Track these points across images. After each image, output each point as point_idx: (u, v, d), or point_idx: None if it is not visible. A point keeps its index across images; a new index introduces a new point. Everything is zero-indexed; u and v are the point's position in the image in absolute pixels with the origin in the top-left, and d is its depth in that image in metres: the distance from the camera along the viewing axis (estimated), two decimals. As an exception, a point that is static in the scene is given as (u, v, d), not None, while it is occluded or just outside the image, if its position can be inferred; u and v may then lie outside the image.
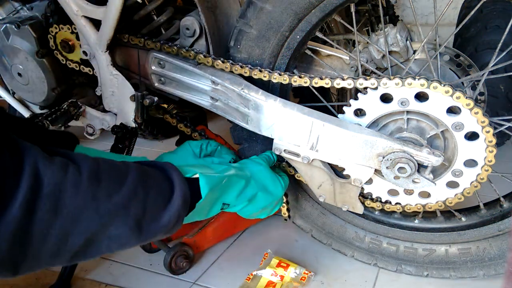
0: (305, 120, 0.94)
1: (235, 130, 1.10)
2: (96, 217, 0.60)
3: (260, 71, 0.96)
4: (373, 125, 0.96)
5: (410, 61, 0.99)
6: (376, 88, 0.91)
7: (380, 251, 1.16)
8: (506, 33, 0.90)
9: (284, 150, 0.98)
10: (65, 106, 1.13)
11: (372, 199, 1.07)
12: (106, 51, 1.05)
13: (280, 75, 0.96)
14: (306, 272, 1.14)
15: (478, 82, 1.00)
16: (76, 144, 0.93)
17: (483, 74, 0.96)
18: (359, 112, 0.96)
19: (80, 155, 0.63)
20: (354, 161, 0.95)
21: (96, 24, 1.04)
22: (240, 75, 0.98)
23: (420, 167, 0.92)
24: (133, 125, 1.10)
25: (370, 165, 0.94)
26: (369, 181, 1.01)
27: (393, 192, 1.03)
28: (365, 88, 0.93)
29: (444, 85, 0.86)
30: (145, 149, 2.11)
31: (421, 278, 1.13)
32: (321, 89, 1.02)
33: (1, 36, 1.18)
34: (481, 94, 1.09)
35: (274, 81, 0.97)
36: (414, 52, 1.04)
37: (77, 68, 1.15)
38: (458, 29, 0.99)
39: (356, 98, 0.94)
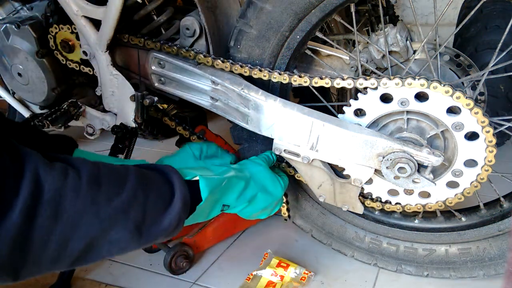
0: (305, 120, 0.94)
1: (235, 130, 1.10)
2: (96, 222, 0.60)
3: (260, 70, 0.97)
4: (373, 125, 0.96)
5: (410, 61, 0.99)
6: (376, 88, 0.91)
7: (380, 251, 1.16)
8: (506, 33, 0.90)
9: (284, 150, 0.98)
10: (65, 106, 1.13)
11: (372, 199, 1.07)
12: (106, 51, 1.05)
13: (280, 74, 0.96)
14: (306, 272, 1.14)
15: (478, 82, 1.00)
16: (75, 148, 0.93)
17: (483, 74, 0.96)
18: (359, 112, 0.96)
19: (79, 160, 0.63)
20: (354, 161, 0.95)
21: (96, 24, 1.04)
22: (240, 74, 0.98)
23: (420, 167, 0.92)
24: (133, 125, 1.10)
25: (370, 165, 0.94)
26: (369, 181, 1.01)
27: (393, 192, 1.03)
28: (365, 88, 0.93)
29: (444, 85, 0.86)
30: (145, 149, 2.10)
31: (421, 278, 1.13)
32: (321, 89, 1.02)
33: (1, 36, 1.18)
34: (481, 94, 1.09)
35: (274, 80, 0.97)
36: (414, 52, 1.04)
37: (77, 68, 1.15)
38: (458, 29, 0.99)
39: (356, 98, 0.94)
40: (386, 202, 1.05)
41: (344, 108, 0.96)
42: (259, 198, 0.91)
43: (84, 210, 0.59)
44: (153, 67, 1.06)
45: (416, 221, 1.11)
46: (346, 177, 0.99)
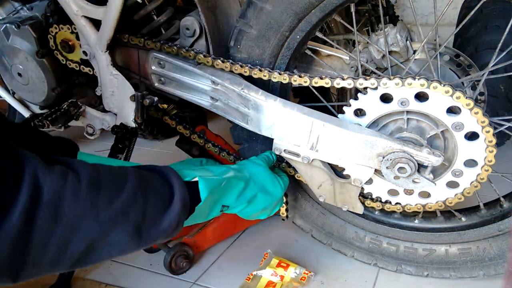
0: (305, 120, 0.94)
1: (235, 130, 1.10)
2: (96, 225, 0.60)
3: (260, 70, 0.97)
4: (373, 125, 0.96)
5: (410, 61, 0.99)
6: (376, 88, 0.91)
7: (380, 251, 1.16)
8: (506, 33, 0.90)
9: (284, 150, 0.98)
10: (65, 106, 1.13)
11: (372, 199, 1.07)
12: (106, 51, 1.05)
13: (280, 74, 0.96)
14: (306, 272, 1.14)
15: (478, 82, 1.00)
16: (77, 151, 0.93)
17: (483, 74, 0.96)
18: (359, 112, 0.96)
19: (79, 162, 0.63)
20: (354, 161, 0.95)
21: (96, 24, 1.04)
22: (240, 74, 0.98)
23: (420, 167, 0.92)
24: (133, 125, 1.10)
25: (370, 165, 0.94)
26: (369, 181, 1.01)
27: (393, 192, 1.03)
28: (365, 88, 0.93)
29: (444, 85, 0.86)
30: (145, 149, 2.10)
31: (421, 278, 1.13)
32: (321, 89, 1.02)
33: (1, 36, 1.18)
34: (481, 94, 1.09)
35: (274, 80, 0.97)
36: (414, 52, 1.04)
37: (77, 68, 1.15)
38: (458, 29, 0.99)
39: (356, 98, 0.94)
40: (386, 202, 1.05)
41: (344, 108, 0.96)
42: (259, 198, 0.91)
43: (83, 213, 0.59)
44: (153, 67, 1.06)
45: (416, 221, 1.11)
46: (346, 177, 0.99)
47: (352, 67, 1.09)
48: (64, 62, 1.15)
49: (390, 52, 1.02)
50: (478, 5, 0.99)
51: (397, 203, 1.04)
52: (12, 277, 0.55)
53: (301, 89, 1.21)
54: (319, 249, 1.25)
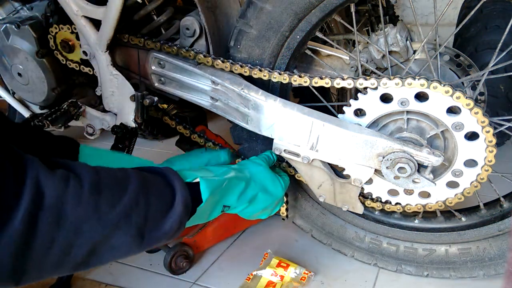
0: (305, 120, 0.94)
1: (235, 130, 1.10)
2: (98, 228, 0.60)
3: (260, 70, 0.97)
4: (373, 125, 0.96)
5: (410, 61, 0.99)
6: (376, 88, 0.91)
7: (380, 251, 1.16)
8: (506, 33, 0.90)
9: (284, 150, 0.98)
10: (65, 106, 1.13)
11: (372, 199, 1.07)
12: (106, 51, 1.05)
13: (280, 74, 0.96)
14: (306, 272, 1.14)
15: (478, 82, 1.00)
16: (78, 148, 0.93)
17: (483, 74, 0.96)
18: (359, 112, 0.96)
19: (80, 165, 0.63)
20: (354, 161, 0.95)
21: (96, 24, 1.04)
22: (240, 74, 0.98)
23: (420, 167, 0.92)
24: (133, 125, 1.10)
25: (370, 165, 0.94)
26: (369, 181, 1.01)
27: (393, 192, 1.03)
28: (365, 88, 0.93)
29: (444, 85, 0.86)
30: (145, 149, 2.10)
31: (421, 278, 1.13)
32: (321, 89, 1.02)
33: (1, 36, 1.18)
34: (481, 94, 1.09)
35: (274, 80, 0.97)
36: (414, 52, 1.04)
37: (77, 68, 1.15)
38: (458, 29, 0.99)
39: (356, 98, 0.94)
40: (386, 202, 1.05)
41: (344, 108, 0.96)
42: (260, 198, 0.91)
43: (86, 216, 0.59)
44: (153, 67, 1.06)
45: (416, 221, 1.11)
46: (346, 177, 0.99)
47: (352, 67, 1.09)
48: (64, 62, 1.15)
49: (390, 52, 1.02)
50: (478, 5, 0.99)
51: (397, 203, 1.04)
52: (15, 281, 0.55)
53: (301, 89, 1.21)
54: (319, 249, 1.25)
